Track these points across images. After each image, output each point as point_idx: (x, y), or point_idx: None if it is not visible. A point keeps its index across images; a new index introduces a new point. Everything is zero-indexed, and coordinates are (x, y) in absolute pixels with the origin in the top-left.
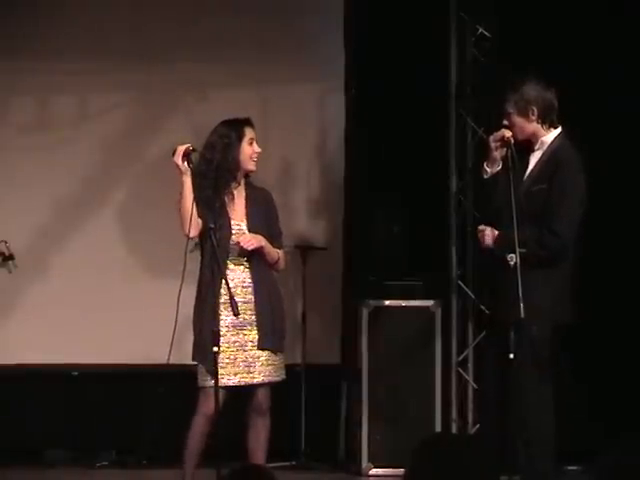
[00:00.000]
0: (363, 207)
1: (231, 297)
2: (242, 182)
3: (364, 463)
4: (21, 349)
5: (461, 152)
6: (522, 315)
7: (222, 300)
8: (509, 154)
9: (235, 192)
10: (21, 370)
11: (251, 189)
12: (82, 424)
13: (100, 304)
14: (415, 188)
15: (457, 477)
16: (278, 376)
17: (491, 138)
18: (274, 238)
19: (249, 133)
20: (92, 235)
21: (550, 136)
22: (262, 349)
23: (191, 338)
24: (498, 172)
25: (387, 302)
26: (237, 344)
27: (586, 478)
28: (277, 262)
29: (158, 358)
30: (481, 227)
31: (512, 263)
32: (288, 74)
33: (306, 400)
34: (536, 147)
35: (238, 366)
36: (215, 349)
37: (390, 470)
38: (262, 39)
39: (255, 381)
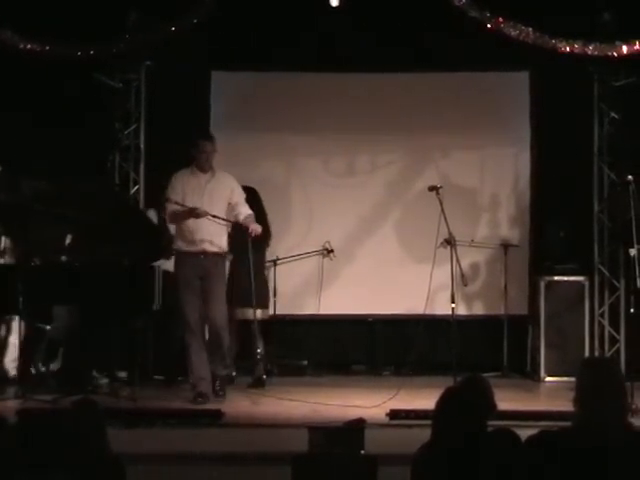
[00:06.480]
0: (541, 221)
1: None
2: None
3: (542, 374)
4: (337, 304)
5: (599, 188)
6: None
7: None
8: None
9: None
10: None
11: None
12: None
13: (382, 275)
14: (571, 209)
15: (607, 380)
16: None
17: None
18: None
19: None
20: (379, 236)
21: None
22: None
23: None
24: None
25: (556, 277)
26: None
27: None
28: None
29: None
30: None
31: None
32: (489, 140)
33: (507, 336)
34: None
35: None
36: None
37: (559, 378)
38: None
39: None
